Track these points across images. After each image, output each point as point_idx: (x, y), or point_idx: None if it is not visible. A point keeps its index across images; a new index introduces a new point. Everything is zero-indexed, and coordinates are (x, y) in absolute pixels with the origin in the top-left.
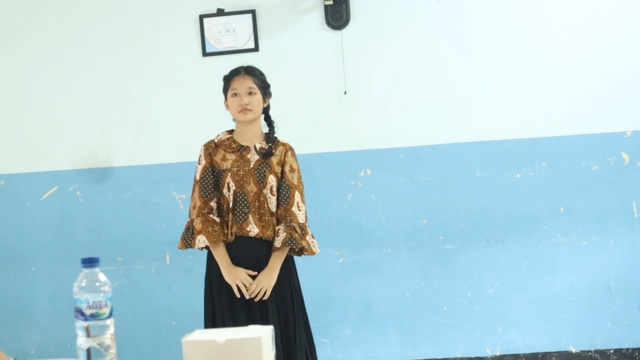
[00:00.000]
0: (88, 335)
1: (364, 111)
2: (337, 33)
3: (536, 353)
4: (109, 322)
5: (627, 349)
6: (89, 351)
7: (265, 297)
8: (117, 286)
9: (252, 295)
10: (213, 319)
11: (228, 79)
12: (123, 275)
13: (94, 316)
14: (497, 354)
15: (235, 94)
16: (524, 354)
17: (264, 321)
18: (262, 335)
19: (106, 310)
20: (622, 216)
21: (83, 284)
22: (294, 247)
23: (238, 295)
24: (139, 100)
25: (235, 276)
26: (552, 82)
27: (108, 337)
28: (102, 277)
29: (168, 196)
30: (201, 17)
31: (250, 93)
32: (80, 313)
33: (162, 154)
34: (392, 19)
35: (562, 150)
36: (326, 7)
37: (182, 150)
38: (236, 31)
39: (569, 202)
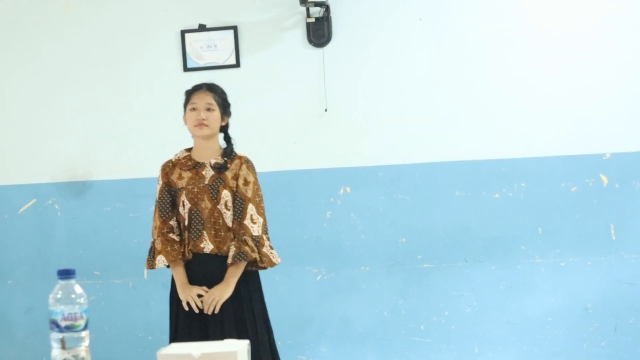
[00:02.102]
0: (63, 347)
1: (345, 129)
2: (319, 51)
3: None
4: (84, 334)
5: None
6: None
7: (216, 311)
8: (94, 300)
9: (205, 307)
10: (175, 338)
11: (189, 93)
12: (100, 289)
13: (69, 328)
14: None
15: (194, 109)
16: None
17: (221, 338)
18: (238, 350)
19: (82, 322)
20: (600, 238)
21: (59, 296)
22: (244, 260)
23: (196, 310)
24: (120, 114)
25: (187, 293)
26: (533, 103)
27: (83, 350)
28: (78, 289)
29: (147, 211)
30: (183, 32)
31: (208, 109)
32: (55, 325)
33: (142, 168)
34: (373, 38)
35: (541, 171)
36: (308, 24)
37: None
38: (218, 47)
39: (547, 223)
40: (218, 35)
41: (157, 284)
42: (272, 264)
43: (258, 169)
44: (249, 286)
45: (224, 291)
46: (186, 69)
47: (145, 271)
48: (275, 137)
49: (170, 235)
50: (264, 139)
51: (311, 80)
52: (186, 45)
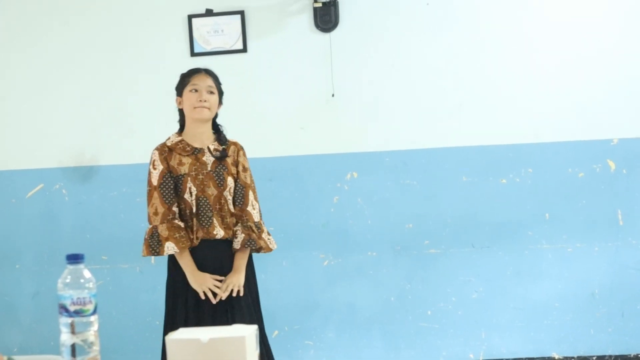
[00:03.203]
0: (72, 331)
1: (352, 114)
2: (326, 36)
3: (519, 358)
4: (92, 318)
5: (610, 356)
6: (73, 347)
7: (241, 293)
8: (101, 285)
9: (226, 294)
10: (172, 325)
11: (187, 76)
12: (108, 274)
13: (78, 312)
14: (481, 358)
15: (195, 90)
16: (507, 359)
17: (215, 320)
18: (246, 335)
19: (90, 307)
20: (607, 224)
21: (67, 280)
22: (253, 247)
23: (214, 301)
24: (127, 99)
25: (203, 282)
26: (540, 88)
27: (92, 334)
28: (87, 273)
29: None
30: (190, 17)
31: (210, 92)
32: (64, 309)
33: (148, 153)
34: (381, 23)
35: (548, 157)
36: (315, 9)
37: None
38: (225, 32)
39: (554, 208)
40: (225, 20)
41: (164, 268)
42: (270, 250)
43: (264, 154)
44: (251, 272)
45: (239, 278)
46: (193, 53)
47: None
48: (282, 123)
49: (176, 221)
50: (270, 124)
51: (318, 65)
52: (193, 30)
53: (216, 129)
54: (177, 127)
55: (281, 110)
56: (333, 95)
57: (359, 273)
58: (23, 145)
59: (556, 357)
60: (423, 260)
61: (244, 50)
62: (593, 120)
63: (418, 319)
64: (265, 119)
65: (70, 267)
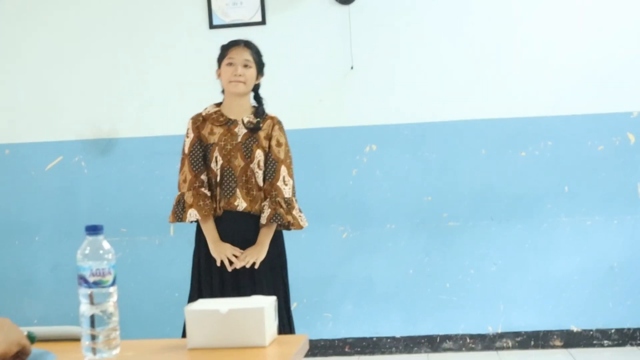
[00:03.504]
0: (91, 302)
1: (370, 87)
2: (345, 8)
3: (537, 331)
4: (112, 289)
5: (629, 329)
6: (92, 318)
7: (256, 266)
8: (120, 257)
9: (241, 264)
10: (199, 294)
11: (226, 48)
12: (127, 246)
13: (97, 283)
14: (499, 331)
15: (231, 64)
16: (525, 332)
17: (238, 292)
18: (265, 306)
19: (109, 278)
20: (626, 197)
21: (87, 252)
22: (279, 222)
23: (229, 269)
24: (145, 72)
25: (222, 251)
26: (560, 61)
27: (111, 305)
28: (106, 244)
29: (172, 169)
30: None
31: (246, 65)
32: (83, 280)
33: (166, 126)
34: None
35: (568, 130)
36: None
37: (187, 123)
38: (243, 4)
39: (573, 181)
40: None
41: (183, 241)
42: (300, 227)
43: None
44: (280, 248)
45: (259, 252)
46: (212, 26)
47: (172, 228)
48: (301, 95)
49: (202, 190)
50: (289, 97)
51: (337, 37)
52: (212, 2)
53: (257, 100)
54: (194, 98)
55: (300, 83)
56: (352, 68)
57: (377, 246)
58: (42, 118)
59: (574, 330)
60: (441, 233)
61: (263, 22)
62: (613, 93)
63: (436, 292)
64: (284, 92)
65: (90, 238)
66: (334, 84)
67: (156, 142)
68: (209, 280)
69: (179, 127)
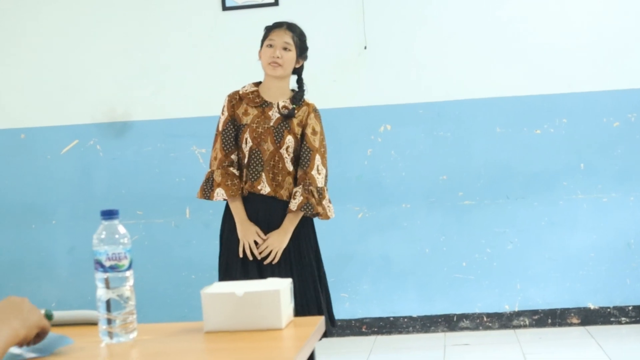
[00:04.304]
0: (107, 286)
1: (384, 66)
2: None
3: (555, 309)
4: (128, 274)
5: None
6: (108, 302)
7: (275, 261)
8: (136, 240)
9: (262, 256)
10: (227, 272)
11: (268, 29)
12: (143, 229)
13: (113, 268)
14: (516, 309)
15: (271, 45)
16: (542, 310)
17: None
18: (281, 289)
19: (125, 262)
20: None
21: (102, 236)
22: (309, 212)
23: (241, 255)
24: (158, 54)
25: (247, 234)
26: (574, 37)
27: (127, 289)
28: (122, 229)
29: (188, 151)
30: None
31: (285, 48)
32: (99, 265)
33: (181, 108)
34: None
35: (583, 107)
36: None
37: (202, 105)
38: None
39: (589, 158)
40: None
41: (199, 223)
42: (327, 218)
43: None
44: (310, 233)
45: (282, 241)
46: (225, 7)
47: (188, 210)
48: (315, 75)
49: (231, 169)
50: (303, 78)
51: (350, 17)
52: None
53: (299, 84)
54: (208, 80)
55: (314, 64)
56: (365, 48)
57: (393, 225)
58: (57, 102)
59: (592, 307)
60: (457, 211)
61: (276, 3)
62: (627, 68)
63: (453, 271)
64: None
65: (105, 222)
66: (347, 64)
67: (171, 125)
68: (234, 260)
69: (194, 109)
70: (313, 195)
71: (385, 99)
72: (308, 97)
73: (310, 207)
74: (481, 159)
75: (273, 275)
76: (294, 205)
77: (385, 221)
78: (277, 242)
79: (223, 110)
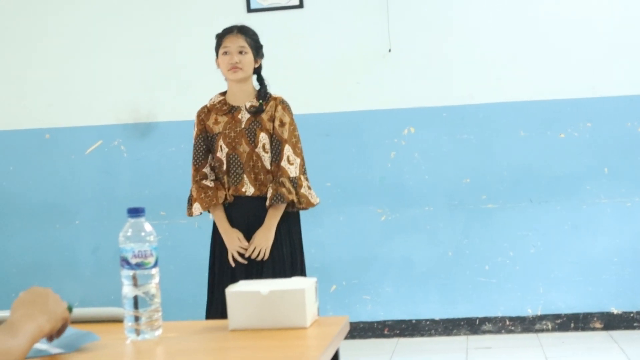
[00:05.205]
0: (134, 284)
1: (408, 69)
2: None
3: (577, 313)
4: (154, 271)
5: None
6: (135, 300)
7: (265, 258)
8: (160, 240)
9: (253, 257)
10: (213, 281)
11: (220, 37)
12: (166, 229)
13: (139, 265)
14: (538, 313)
15: (226, 52)
16: (565, 314)
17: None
18: (306, 287)
19: (151, 260)
20: None
21: (129, 234)
22: (281, 202)
23: (232, 264)
24: (183, 56)
25: (232, 243)
26: (599, 42)
27: (153, 287)
28: (148, 226)
29: None
30: None
31: (241, 52)
32: (125, 262)
33: None
34: None
35: (607, 111)
36: None
37: None
38: None
39: (613, 163)
40: None
41: None
42: (311, 204)
43: (321, 110)
44: (289, 227)
45: (267, 238)
46: (250, 9)
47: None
48: (339, 78)
49: (204, 182)
50: (327, 80)
51: (375, 19)
52: None
53: (260, 82)
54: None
55: (338, 66)
56: (390, 50)
57: (415, 228)
58: (82, 103)
59: (615, 312)
60: (480, 215)
61: (301, 5)
62: None
63: (475, 274)
64: (321, 75)
65: (132, 220)
66: (371, 67)
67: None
68: (222, 269)
69: None
70: (284, 185)
71: (409, 101)
72: (329, 96)
73: (281, 197)
74: (504, 162)
75: (262, 274)
76: (267, 200)
77: (408, 224)
78: (263, 239)
79: (194, 127)
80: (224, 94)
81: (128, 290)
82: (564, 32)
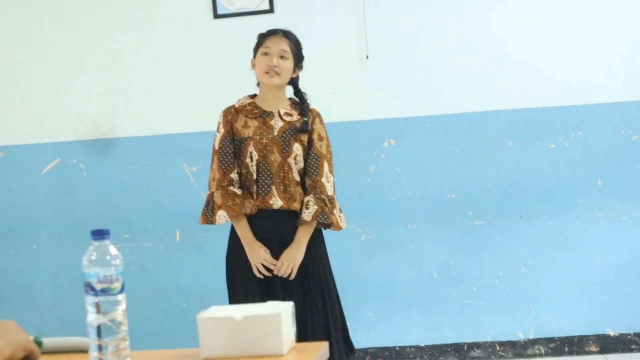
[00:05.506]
0: (98, 311)
1: (387, 77)
2: None
3: (572, 336)
4: (120, 297)
5: None
6: (99, 328)
7: (292, 276)
8: (123, 265)
9: (280, 274)
10: (234, 296)
11: (263, 37)
12: (130, 253)
13: (104, 291)
14: (530, 337)
15: (267, 53)
16: (558, 338)
17: (285, 298)
18: (282, 312)
19: (117, 285)
20: None
21: (93, 257)
22: (324, 221)
23: (259, 276)
24: (146, 66)
25: (256, 256)
26: (588, 46)
27: (120, 314)
28: (113, 250)
29: (177, 169)
30: None
31: (282, 56)
32: (90, 288)
33: (170, 123)
34: None
35: (599, 119)
36: None
37: (192, 120)
38: None
39: (607, 174)
40: None
41: (190, 246)
42: (339, 228)
43: None
44: (319, 244)
45: (297, 255)
46: (216, 15)
47: (178, 233)
48: (313, 87)
49: (231, 188)
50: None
51: (350, 25)
52: None
53: (299, 96)
54: (199, 93)
55: (312, 75)
56: (367, 57)
57: (398, 247)
58: (37, 118)
59: (611, 334)
60: (467, 232)
61: (271, 10)
62: None
63: (462, 296)
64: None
65: (96, 243)
66: (348, 75)
67: (159, 141)
68: (244, 284)
69: (183, 124)
70: (326, 204)
71: (389, 111)
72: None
73: (325, 216)
74: (492, 176)
75: (283, 295)
76: (307, 215)
77: (389, 243)
78: (293, 256)
79: (219, 128)
80: (252, 96)
81: (92, 317)
82: (552, 35)
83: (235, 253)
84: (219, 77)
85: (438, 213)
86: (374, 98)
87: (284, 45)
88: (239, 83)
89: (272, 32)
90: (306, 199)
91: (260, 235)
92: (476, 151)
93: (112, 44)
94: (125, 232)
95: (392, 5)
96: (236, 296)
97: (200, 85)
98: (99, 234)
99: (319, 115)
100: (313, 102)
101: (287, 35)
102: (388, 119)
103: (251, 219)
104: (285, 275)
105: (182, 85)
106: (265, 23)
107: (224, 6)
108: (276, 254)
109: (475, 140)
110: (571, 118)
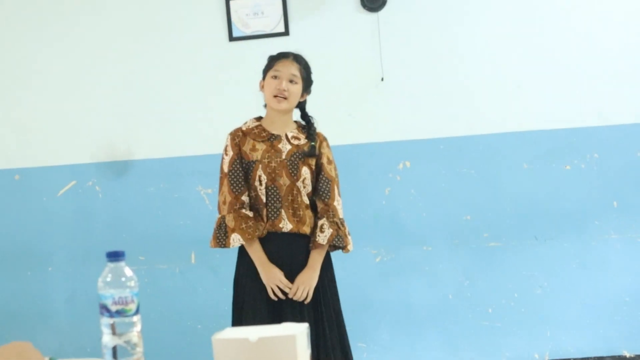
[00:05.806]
0: (114, 332)
1: (403, 99)
2: (374, 15)
3: (588, 357)
4: (135, 318)
5: None
6: (114, 349)
7: (308, 300)
8: (139, 287)
9: (296, 298)
10: (240, 319)
11: (273, 59)
12: (145, 275)
13: (119, 312)
14: (546, 359)
15: (276, 77)
16: (574, 359)
17: (297, 320)
18: (297, 333)
19: (133, 307)
20: None
21: (108, 279)
22: (339, 244)
23: (274, 298)
24: (162, 89)
25: (272, 278)
26: (605, 68)
27: (135, 335)
28: (128, 271)
29: (193, 191)
30: None
31: (292, 80)
32: (105, 309)
33: (186, 145)
34: (431, 0)
35: (615, 141)
36: None
37: (208, 142)
38: (265, 14)
39: (623, 196)
40: (265, 1)
41: (205, 268)
42: (348, 251)
43: None
44: (329, 267)
45: (312, 278)
46: (232, 38)
47: (193, 255)
48: (329, 110)
49: (244, 211)
50: (316, 112)
51: (366, 47)
52: (231, 12)
53: (306, 120)
54: (215, 115)
55: (327, 97)
56: (382, 80)
57: (413, 269)
58: (53, 140)
59: (627, 355)
60: (482, 254)
61: (286, 33)
62: None
63: (478, 318)
64: (310, 106)
65: (111, 264)
66: (363, 97)
67: (175, 163)
68: (253, 307)
69: (199, 146)
70: (339, 227)
71: (404, 133)
72: (319, 129)
73: (340, 240)
74: (507, 198)
75: (293, 317)
76: (323, 239)
77: (405, 265)
78: (308, 279)
79: (227, 150)
80: (258, 119)
81: (108, 339)
82: (569, 58)
83: (245, 276)
84: (235, 100)
85: (453, 235)
86: (389, 120)
87: (294, 70)
88: (255, 105)
89: (282, 55)
90: (320, 222)
91: (270, 259)
92: (491, 173)
93: (128, 67)
94: (140, 254)
95: (407, 27)
96: (244, 319)
97: (215, 107)
98: (115, 256)
99: (325, 139)
100: (328, 124)
101: (298, 59)
102: (403, 140)
103: (261, 242)
104: (301, 299)
105: (198, 108)
106: (281, 46)
107: (239, 29)
108: (286, 277)
109: (490, 162)
110: (587, 140)
